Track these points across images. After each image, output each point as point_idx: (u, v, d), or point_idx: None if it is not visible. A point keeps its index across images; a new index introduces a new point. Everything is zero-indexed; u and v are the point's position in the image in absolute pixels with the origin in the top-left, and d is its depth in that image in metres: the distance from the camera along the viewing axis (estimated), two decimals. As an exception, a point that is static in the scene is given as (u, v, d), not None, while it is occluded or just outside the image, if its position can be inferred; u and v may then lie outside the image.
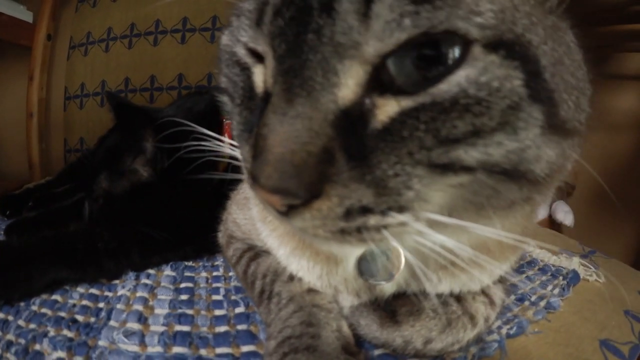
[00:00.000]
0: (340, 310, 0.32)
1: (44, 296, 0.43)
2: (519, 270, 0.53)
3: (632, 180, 0.81)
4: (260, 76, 0.22)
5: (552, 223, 0.86)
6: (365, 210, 0.18)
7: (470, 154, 0.18)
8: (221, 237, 0.46)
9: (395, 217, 0.19)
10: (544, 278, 0.51)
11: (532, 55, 0.18)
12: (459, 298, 0.32)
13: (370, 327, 0.31)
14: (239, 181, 0.42)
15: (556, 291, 0.48)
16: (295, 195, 0.18)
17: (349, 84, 0.18)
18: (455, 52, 0.17)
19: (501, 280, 0.36)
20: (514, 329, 0.37)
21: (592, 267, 0.59)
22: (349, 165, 0.18)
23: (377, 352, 0.32)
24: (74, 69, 1.13)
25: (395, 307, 0.30)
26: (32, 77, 1.05)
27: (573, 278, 0.52)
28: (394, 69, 0.18)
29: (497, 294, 0.35)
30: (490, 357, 0.34)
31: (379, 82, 0.18)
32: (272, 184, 0.18)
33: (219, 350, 0.33)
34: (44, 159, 1.08)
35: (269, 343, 0.29)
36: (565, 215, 0.82)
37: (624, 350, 0.43)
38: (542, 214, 0.87)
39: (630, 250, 0.80)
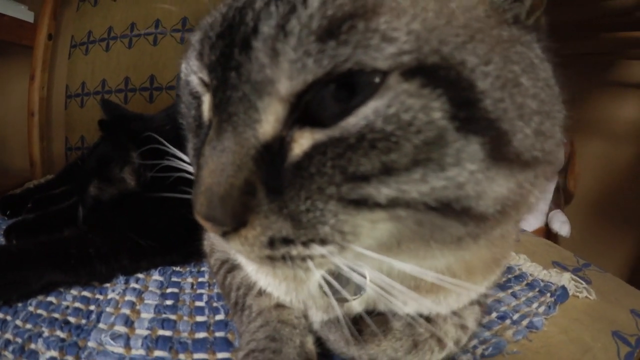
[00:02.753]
0: (310, 325, 0.34)
1: (40, 297, 0.46)
2: (505, 285, 0.54)
3: (632, 191, 0.82)
4: (207, 105, 0.24)
5: (548, 233, 0.87)
6: (287, 241, 0.20)
7: (381, 191, 0.18)
8: (205, 246, 0.48)
9: (316, 249, 0.20)
10: (530, 294, 0.52)
11: (465, 79, 0.17)
12: (429, 319, 0.33)
13: (339, 343, 0.32)
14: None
15: (541, 309, 0.49)
16: (222, 223, 0.20)
17: (269, 119, 0.19)
18: (375, 81, 0.17)
19: (479, 302, 0.38)
20: (490, 349, 0.39)
21: (583, 282, 0.59)
22: (269, 198, 0.19)
23: None
24: (75, 67, 1.17)
25: (362, 326, 0.31)
26: (33, 76, 1.09)
27: (561, 295, 0.53)
28: (312, 102, 0.18)
29: (471, 316, 0.36)
30: None
31: (302, 114, 0.19)
32: (203, 212, 0.20)
33: (197, 355, 0.36)
34: (45, 157, 1.12)
35: (237, 354, 0.32)
36: (561, 225, 0.83)
37: None
38: (538, 222, 0.88)
39: (627, 263, 0.81)
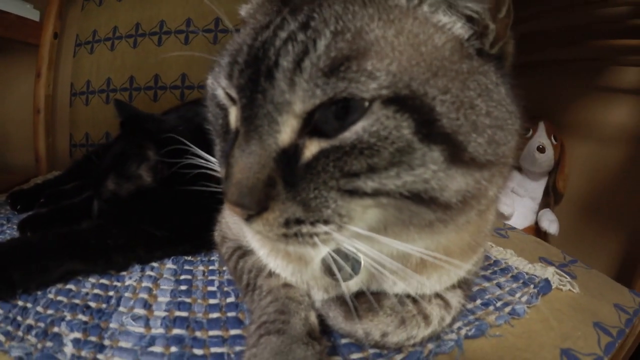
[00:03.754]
0: (312, 303, 0.39)
1: (59, 286, 0.50)
2: (490, 276, 0.58)
3: (620, 192, 0.86)
4: (233, 115, 0.29)
5: (538, 231, 0.91)
6: (299, 221, 0.25)
7: (367, 184, 0.24)
8: (216, 236, 0.54)
9: (321, 228, 0.25)
10: (514, 285, 0.57)
11: (427, 106, 0.23)
12: (415, 300, 0.38)
13: (337, 319, 0.38)
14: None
15: (524, 299, 0.53)
16: (250, 208, 0.25)
17: (287, 131, 0.25)
18: (364, 106, 0.23)
19: (461, 287, 0.43)
20: (473, 330, 0.43)
21: (568, 277, 0.63)
22: (286, 189, 0.25)
23: (343, 340, 0.39)
24: (80, 66, 1.21)
25: (357, 304, 0.36)
26: (39, 74, 1.13)
27: (544, 287, 0.57)
28: (319, 119, 0.24)
29: (454, 298, 0.41)
30: (447, 354, 0.40)
31: (310, 127, 0.25)
32: (234, 199, 0.25)
33: (212, 332, 0.40)
34: (51, 153, 1.16)
35: (250, 327, 0.37)
36: (550, 223, 0.88)
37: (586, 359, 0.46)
38: (528, 221, 0.93)
39: (614, 261, 0.85)
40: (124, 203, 0.54)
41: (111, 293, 0.47)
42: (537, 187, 0.95)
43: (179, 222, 0.54)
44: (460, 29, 0.26)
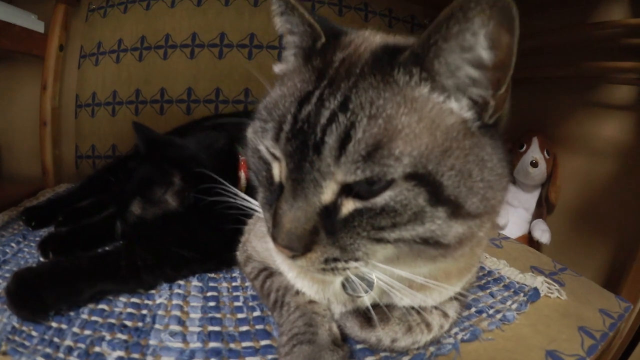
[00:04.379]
0: (332, 315, 0.46)
1: (91, 306, 0.53)
2: (484, 286, 0.66)
3: (609, 203, 0.92)
4: (277, 170, 0.35)
5: (531, 239, 0.99)
6: (336, 260, 0.32)
7: (391, 235, 0.31)
8: (239, 256, 0.60)
9: (352, 264, 0.33)
10: (506, 294, 0.64)
11: (437, 181, 0.30)
12: (419, 311, 0.45)
13: (353, 329, 0.45)
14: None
15: (514, 306, 0.61)
16: (297, 250, 0.32)
17: (328, 192, 0.31)
18: (392, 177, 0.29)
19: (457, 298, 0.50)
20: (468, 335, 0.51)
21: (556, 284, 0.69)
22: (327, 237, 0.32)
23: (358, 346, 0.47)
24: (85, 77, 1.24)
25: (370, 316, 0.43)
26: (45, 86, 1.16)
27: (532, 295, 0.64)
28: (355, 185, 0.30)
29: (452, 309, 0.49)
30: (446, 355, 0.47)
31: (347, 189, 0.31)
32: (284, 244, 0.32)
33: (244, 344, 0.46)
34: (58, 165, 1.20)
35: (281, 338, 0.43)
36: (542, 233, 0.95)
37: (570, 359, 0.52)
38: (521, 231, 1.01)
39: (603, 269, 0.91)
40: (150, 226, 0.60)
41: (144, 311, 0.53)
42: (531, 199, 1.03)
43: (203, 242, 0.60)
44: (466, 112, 0.32)
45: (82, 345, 0.47)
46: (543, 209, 1.02)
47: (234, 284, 0.61)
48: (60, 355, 0.45)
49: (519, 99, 1.21)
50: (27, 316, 0.50)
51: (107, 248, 0.65)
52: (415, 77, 0.31)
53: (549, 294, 0.67)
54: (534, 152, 0.98)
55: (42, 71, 1.18)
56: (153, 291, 0.57)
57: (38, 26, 1.16)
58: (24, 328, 0.50)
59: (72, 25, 1.24)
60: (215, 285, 0.60)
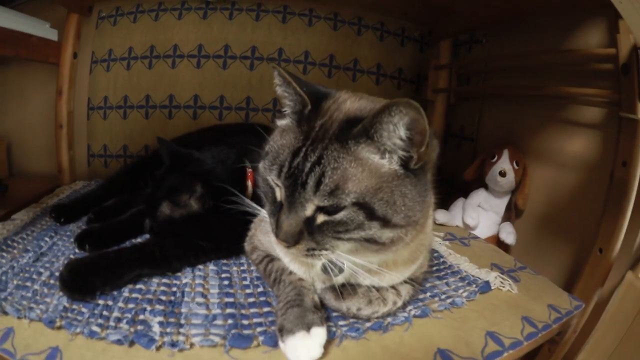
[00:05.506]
0: (315, 290, 0.66)
1: (130, 286, 0.71)
2: (442, 277, 0.85)
3: (572, 211, 1.07)
4: (278, 194, 0.55)
5: (498, 240, 1.20)
6: (313, 249, 0.52)
7: (345, 235, 0.50)
8: (247, 246, 0.81)
9: (324, 252, 0.52)
10: (460, 284, 0.81)
11: (371, 207, 0.48)
12: (378, 289, 0.65)
13: (330, 300, 0.65)
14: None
15: (465, 294, 0.77)
16: (290, 243, 0.51)
17: (309, 210, 0.50)
18: (345, 204, 0.48)
19: (410, 283, 0.70)
20: (419, 312, 0.69)
21: (510, 280, 0.84)
22: (308, 235, 0.51)
23: (334, 314, 0.66)
24: (97, 82, 1.43)
25: (342, 290, 0.64)
26: (60, 92, 1.33)
27: (483, 287, 0.80)
28: (324, 207, 0.49)
29: (404, 290, 0.69)
30: (400, 325, 0.66)
31: (320, 209, 0.50)
32: (283, 239, 0.51)
33: (252, 310, 0.67)
34: (73, 164, 1.39)
35: (278, 305, 0.63)
36: (507, 235, 1.14)
37: (506, 342, 0.65)
38: (491, 232, 1.22)
39: (564, 270, 1.06)
40: (177, 224, 0.81)
41: (174, 289, 0.72)
42: (500, 203, 1.23)
43: (218, 236, 0.80)
44: (395, 165, 0.51)
45: (129, 315, 0.63)
46: (512, 213, 1.21)
47: (242, 267, 0.82)
48: (112, 323, 0.61)
49: (495, 113, 1.41)
50: (78, 297, 0.66)
51: (139, 240, 0.85)
52: (362, 144, 0.50)
53: (501, 287, 0.82)
54: (504, 163, 1.18)
55: (52, 73, 1.36)
56: (179, 274, 0.77)
57: (52, 34, 1.29)
58: (74, 306, 0.65)
59: (83, 32, 1.40)
60: (228, 268, 0.81)
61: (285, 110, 0.59)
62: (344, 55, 1.54)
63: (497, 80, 1.39)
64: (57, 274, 0.73)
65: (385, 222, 0.50)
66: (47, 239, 0.89)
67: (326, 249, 0.53)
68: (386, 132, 0.49)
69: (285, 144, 0.54)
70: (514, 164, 1.18)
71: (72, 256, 0.82)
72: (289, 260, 0.67)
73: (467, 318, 0.72)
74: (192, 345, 0.58)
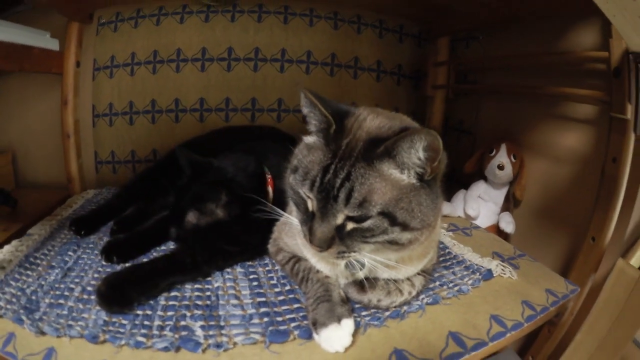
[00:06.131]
0: (339, 285, 0.75)
1: (165, 295, 0.76)
2: (449, 267, 0.95)
3: (567, 201, 1.17)
4: (310, 204, 0.63)
5: (498, 229, 1.31)
6: (343, 252, 0.60)
7: (371, 240, 0.58)
8: (271, 248, 0.91)
9: (352, 254, 0.61)
10: (465, 273, 0.91)
11: (393, 215, 0.56)
12: (395, 281, 0.75)
13: (353, 294, 0.74)
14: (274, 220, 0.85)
15: (470, 282, 0.86)
16: (323, 248, 0.59)
17: (339, 219, 0.58)
18: (372, 214, 0.56)
19: (423, 275, 0.80)
20: (431, 300, 0.78)
21: (510, 267, 0.93)
22: (339, 240, 0.59)
23: (356, 305, 0.75)
24: (101, 89, 1.47)
25: (364, 284, 0.72)
26: (66, 102, 1.37)
27: (486, 274, 0.90)
28: (353, 216, 0.57)
29: (417, 281, 0.78)
30: (414, 312, 0.75)
31: (349, 218, 0.58)
32: (317, 245, 0.59)
33: (283, 307, 0.75)
34: (82, 173, 1.43)
35: (308, 301, 0.72)
36: (506, 224, 1.25)
37: (508, 324, 0.74)
38: (491, 221, 1.33)
39: (560, 256, 1.15)
40: (204, 232, 0.90)
41: (208, 293, 0.80)
42: (499, 194, 1.34)
43: (243, 240, 0.89)
44: (412, 178, 0.59)
45: (170, 323, 0.69)
46: (510, 204, 1.32)
47: (267, 268, 0.91)
48: (155, 332, 0.66)
49: (492, 109, 1.50)
50: (117, 310, 0.70)
51: (169, 249, 0.94)
52: (385, 162, 0.58)
53: (502, 275, 0.92)
54: (502, 156, 1.28)
55: (53, 81, 1.39)
56: (209, 278, 0.85)
57: (53, 44, 1.33)
58: (114, 319, 0.69)
59: (84, 39, 1.43)
60: (254, 270, 0.90)
61: (310, 128, 0.67)
62: (345, 54, 1.61)
63: (494, 77, 1.48)
64: (89, 288, 0.78)
65: (405, 227, 0.59)
66: (70, 253, 0.93)
67: (354, 251, 0.62)
68: (407, 153, 0.58)
69: (315, 161, 0.62)
70: (512, 157, 1.28)
71: (99, 269, 0.87)
72: (316, 260, 0.77)
73: (472, 303, 0.81)
74: (235, 344, 0.66)
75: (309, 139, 0.68)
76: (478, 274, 0.92)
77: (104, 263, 0.89)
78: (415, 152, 0.58)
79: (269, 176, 0.95)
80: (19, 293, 0.76)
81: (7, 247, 0.92)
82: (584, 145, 1.14)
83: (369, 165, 0.59)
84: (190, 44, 1.47)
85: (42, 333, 0.66)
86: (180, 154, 0.96)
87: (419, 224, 0.60)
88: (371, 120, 0.65)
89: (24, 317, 0.68)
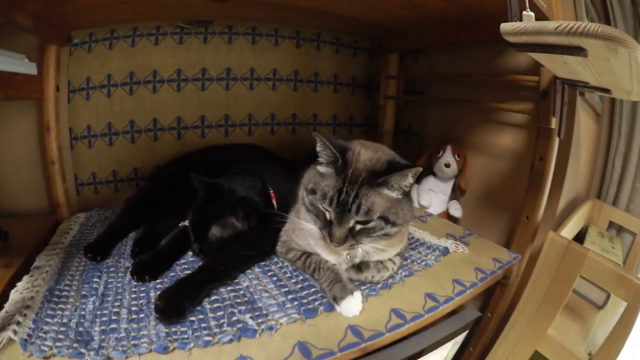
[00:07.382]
0: (343, 269, 1.01)
1: (206, 300, 0.92)
2: (415, 248, 1.29)
3: (504, 189, 1.52)
4: (328, 215, 0.92)
5: (449, 215, 1.71)
6: (353, 245, 0.89)
7: (373, 234, 0.88)
8: (280, 249, 1.21)
9: (359, 245, 0.92)
10: (428, 251, 1.22)
11: (387, 217, 0.86)
12: (382, 262, 1.04)
13: (353, 274, 1.02)
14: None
15: (433, 258, 1.17)
16: (340, 244, 0.87)
17: (351, 223, 0.87)
18: (374, 219, 0.86)
19: (400, 255, 1.15)
20: (407, 273, 1.07)
21: (462, 244, 1.25)
22: (350, 237, 0.87)
23: (355, 283, 1.00)
24: (77, 112, 1.50)
25: (360, 266, 1.02)
26: (48, 128, 1.38)
27: (444, 251, 1.21)
28: (361, 221, 0.87)
29: (397, 260, 1.07)
30: (397, 283, 1.03)
31: (358, 222, 0.86)
32: (335, 242, 0.87)
33: (303, 293, 1.01)
34: (69, 198, 1.46)
35: (322, 284, 0.99)
36: (455, 210, 1.64)
37: (467, 284, 1.04)
38: (441, 209, 1.74)
39: (501, 233, 1.46)
40: (227, 242, 1.15)
41: (242, 292, 1.02)
42: (447, 186, 1.72)
43: (259, 245, 1.16)
44: (400, 194, 0.89)
45: (224, 320, 0.85)
46: (457, 193, 1.68)
47: (278, 265, 1.17)
48: (216, 330, 0.81)
49: (439, 115, 1.86)
50: (175, 320, 0.83)
51: (205, 262, 1.09)
52: (383, 187, 0.87)
53: (456, 250, 1.24)
54: (448, 156, 1.67)
55: (29, 105, 1.38)
56: (236, 280, 1.10)
57: (31, 68, 1.23)
58: (174, 329, 0.81)
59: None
60: (269, 268, 1.16)
61: (321, 160, 0.98)
62: (306, 70, 1.90)
63: (439, 90, 1.85)
64: (133, 309, 0.88)
65: (394, 224, 0.91)
66: (96, 279, 0.99)
67: (360, 243, 0.92)
68: (400, 181, 0.92)
69: (330, 185, 0.93)
70: (456, 156, 1.68)
71: (134, 289, 0.97)
72: (326, 253, 1.08)
73: (438, 273, 1.12)
74: (281, 324, 0.87)
75: (321, 169, 0.99)
76: (438, 251, 1.25)
77: (134, 283, 1.00)
78: (406, 179, 0.92)
79: (271, 191, 1.23)
80: (62, 329, 0.79)
81: (21, 284, 0.93)
82: (517, 145, 1.45)
83: (372, 188, 0.92)
84: (165, 66, 1.61)
85: (109, 358, 0.72)
86: (194, 178, 1.18)
87: (401, 221, 0.95)
88: (364, 153, 0.97)
89: (83, 350, 0.73)
